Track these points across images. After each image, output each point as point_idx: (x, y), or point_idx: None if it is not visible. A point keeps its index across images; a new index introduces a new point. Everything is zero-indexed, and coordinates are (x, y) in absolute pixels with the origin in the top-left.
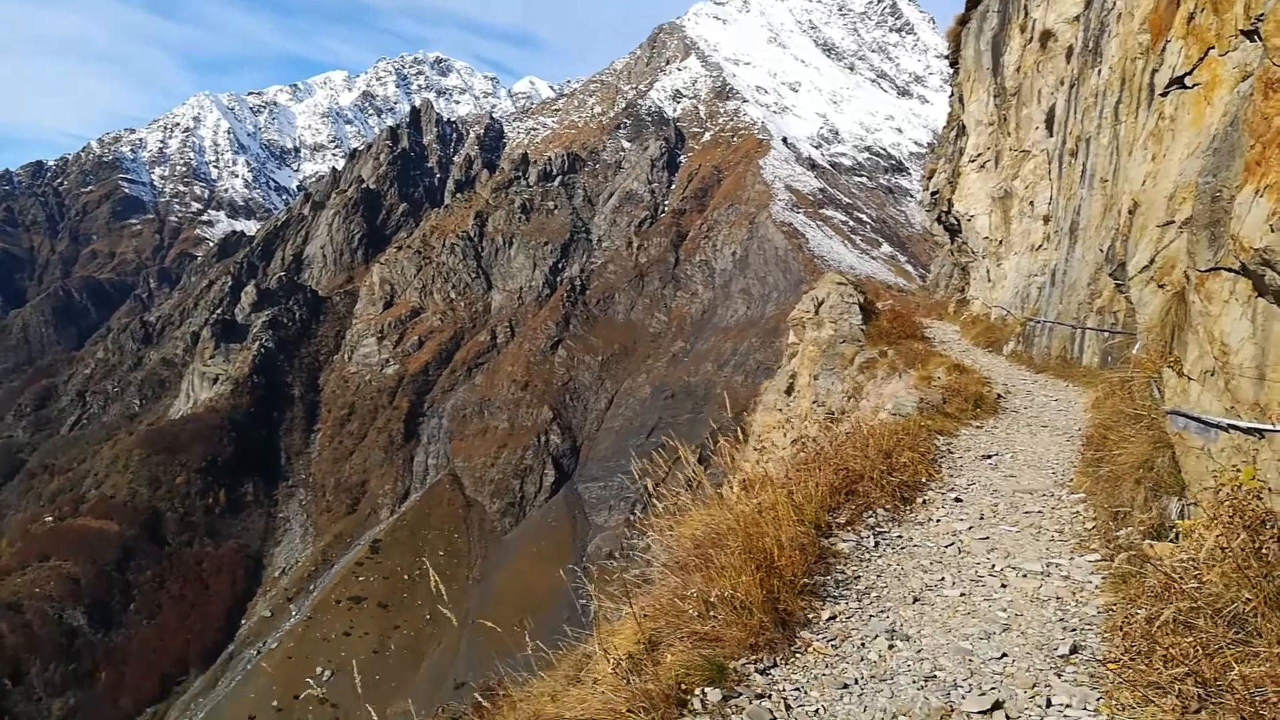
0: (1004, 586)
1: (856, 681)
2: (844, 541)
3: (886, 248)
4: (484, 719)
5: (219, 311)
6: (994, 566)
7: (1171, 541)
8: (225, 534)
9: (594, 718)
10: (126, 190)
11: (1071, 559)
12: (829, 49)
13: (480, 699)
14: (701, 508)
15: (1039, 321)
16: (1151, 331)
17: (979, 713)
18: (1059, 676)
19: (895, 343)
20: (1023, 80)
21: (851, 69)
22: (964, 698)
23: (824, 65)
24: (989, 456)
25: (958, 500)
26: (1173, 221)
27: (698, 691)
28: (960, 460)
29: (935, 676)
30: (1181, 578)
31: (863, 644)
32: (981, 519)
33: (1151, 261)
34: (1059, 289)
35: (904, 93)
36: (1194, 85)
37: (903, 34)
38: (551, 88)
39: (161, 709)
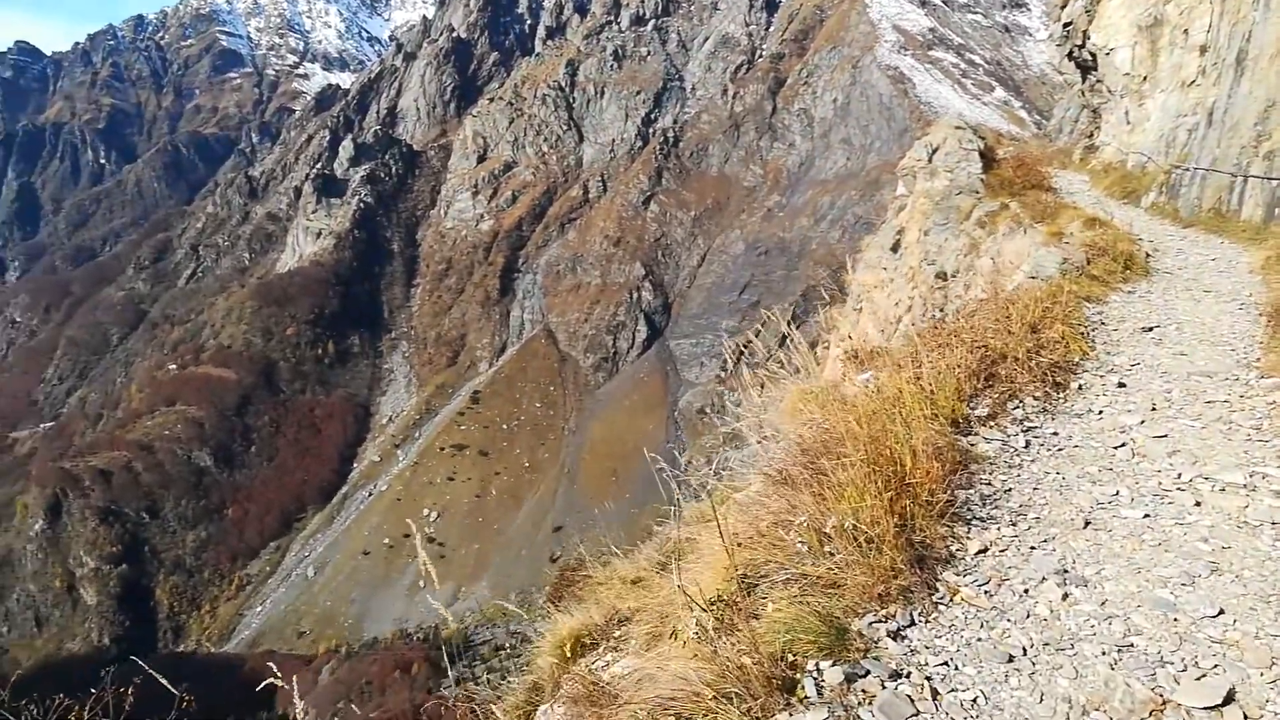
0: (1198, 505)
1: (1025, 651)
2: (987, 441)
3: (1000, 92)
4: (562, 602)
5: (319, 166)
6: (1180, 476)
7: None
8: (335, 383)
9: (668, 703)
10: (224, 43)
11: None
12: None
13: (560, 578)
14: (805, 393)
15: (1188, 168)
16: None
17: (1204, 708)
18: None
19: (1019, 194)
20: None
21: None
22: (1177, 681)
23: None
24: (1150, 329)
25: (1121, 386)
26: None
27: (810, 668)
28: (1116, 333)
29: (1131, 645)
30: None
31: (1026, 591)
32: (1154, 410)
33: None
34: (1216, 130)
35: None
36: None
37: None
38: None
39: (284, 542)
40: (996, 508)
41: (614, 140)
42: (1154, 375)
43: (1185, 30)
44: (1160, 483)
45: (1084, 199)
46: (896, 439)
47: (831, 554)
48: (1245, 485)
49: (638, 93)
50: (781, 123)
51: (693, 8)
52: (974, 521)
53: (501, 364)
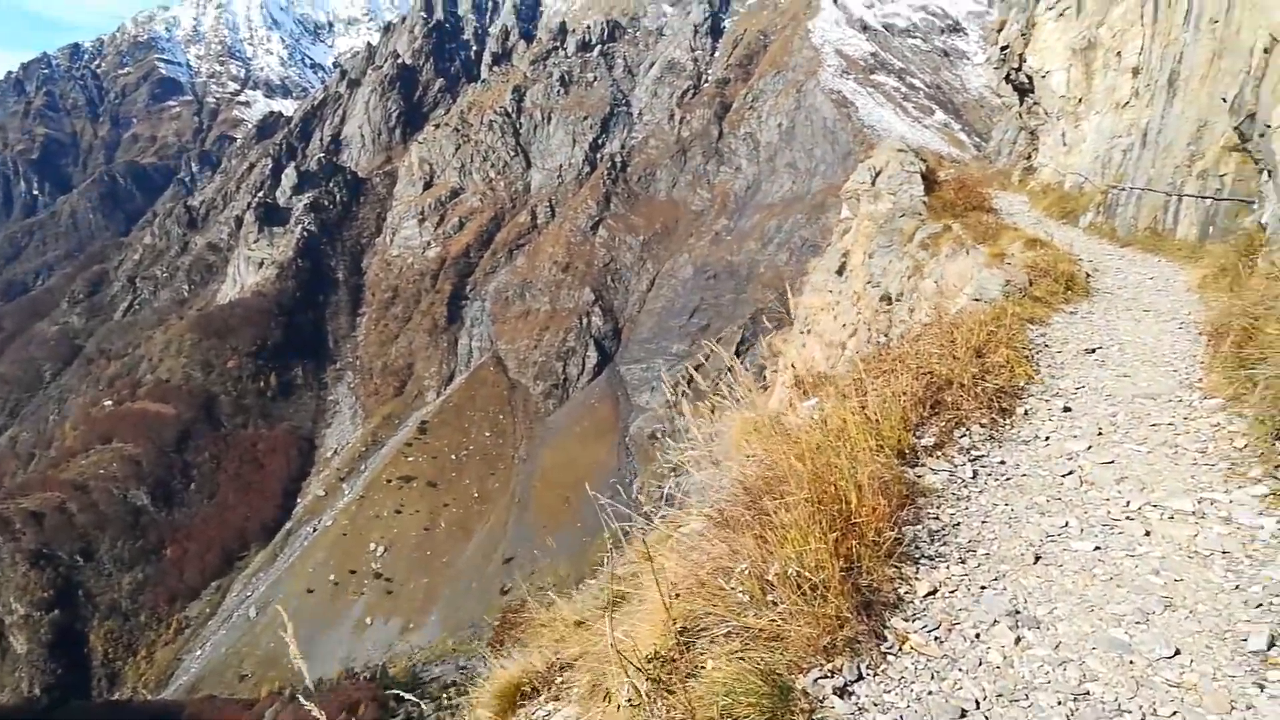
0: (1148, 535)
1: (978, 705)
2: (934, 473)
3: (940, 115)
4: (504, 646)
5: (260, 195)
6: (1129, 504)
7: None
8: (278, 416)
9: None
10: (164, 71)
11: (1228, 492)
12: None
13: (503, 620)
14: (750, 426)
15: (1124, 188)
16: None
17: None
18: (1262, 690)
19: (961, 215)
20: None
21: None
22: None
23: None
24: (1093, 350)
25: (1067, 410)
26: None
27: None
28: (1060, 355)
29: (1087, 692)
30: None
31: (978, 635)
32: (1100, 435)
33: None
34: (1150, 151)
35: None
36: None
37: None
38: None
39: (225, 582)
40: (945, 544)
41: (562, 166)
42: (1099, 398)
43: (1118, 53)
44: (1109, 512)
45: (1024, 219)
46: (841, 475)
47: (774, 604)
48: (1194, 512)
49: (585, 118)
50: (728, 147)
51: (638, 34)
52: (922, 560)
53: (450, 393)
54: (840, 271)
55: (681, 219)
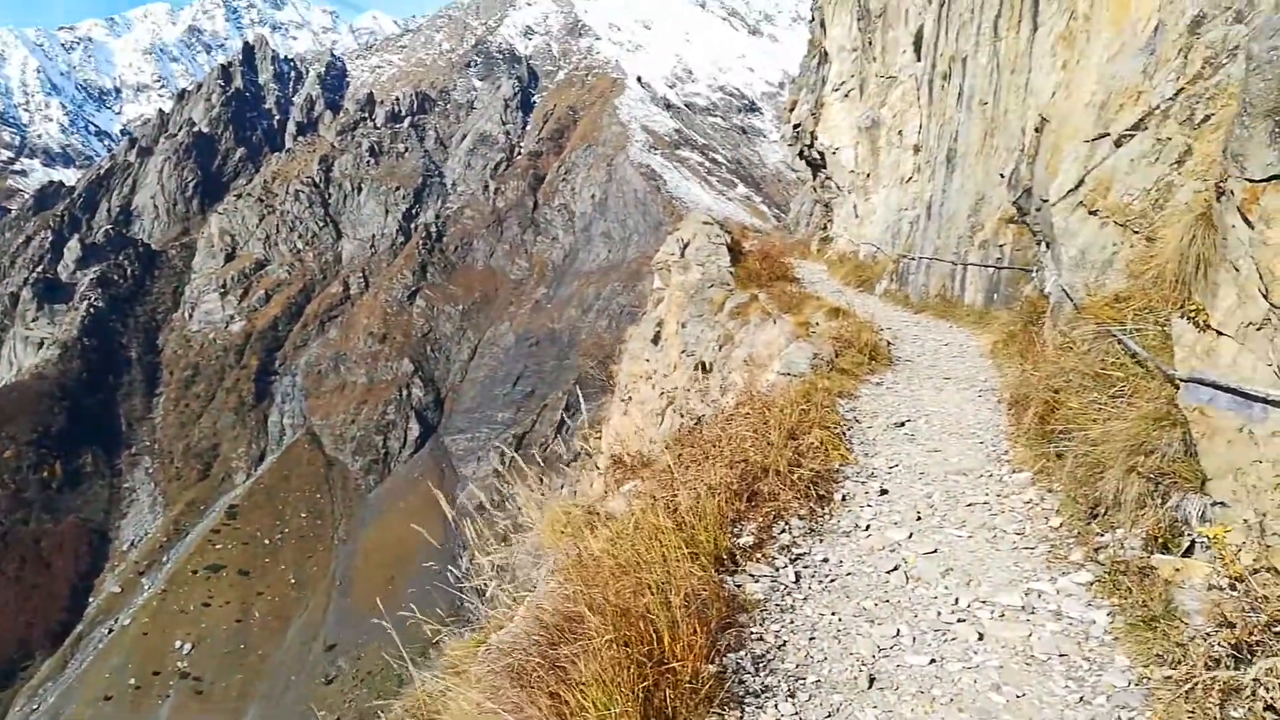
0: (981, 639)
1: None
2: (756, 580)
3: (742, 189)
4: None
5: (39, 270)
6: (958, 602)
7: (1185, 555)
8: (64, 509)
9: None
10: None
11: (1054, 580)
12: None
13: None
14: (561, 520)
15: (914, 258)
16: (1093, 269)
17: None
18: None
19: (766, 285)
20: (888, 1)
21: (703, 6)
22: None
23: (675, 2)
24: (902, 424)
25: (884, 493)
26: (1107, 134)
27: None
28: (871, 431)
29: None
30: (1233, 617)
31: None
32: (919, 519)
33: (1080, 183)
34: (935, 222)
35: (755, 31)
36: None
37: None
38: (396, 23)
39: (6, 696)
40: (772, 673)
41: (374, 236)
42: (913, 477)
43: (900, 131)
44: (939, 613)
45: (825, 288)
46: (653, 603)
47: None
48: (1023, 607)
49: (397, 188)
50: (544, 217)
51: (449, 106)
52: (748, 699)
53: (261, 473)
54: (656, 340)
55: (501, 287)
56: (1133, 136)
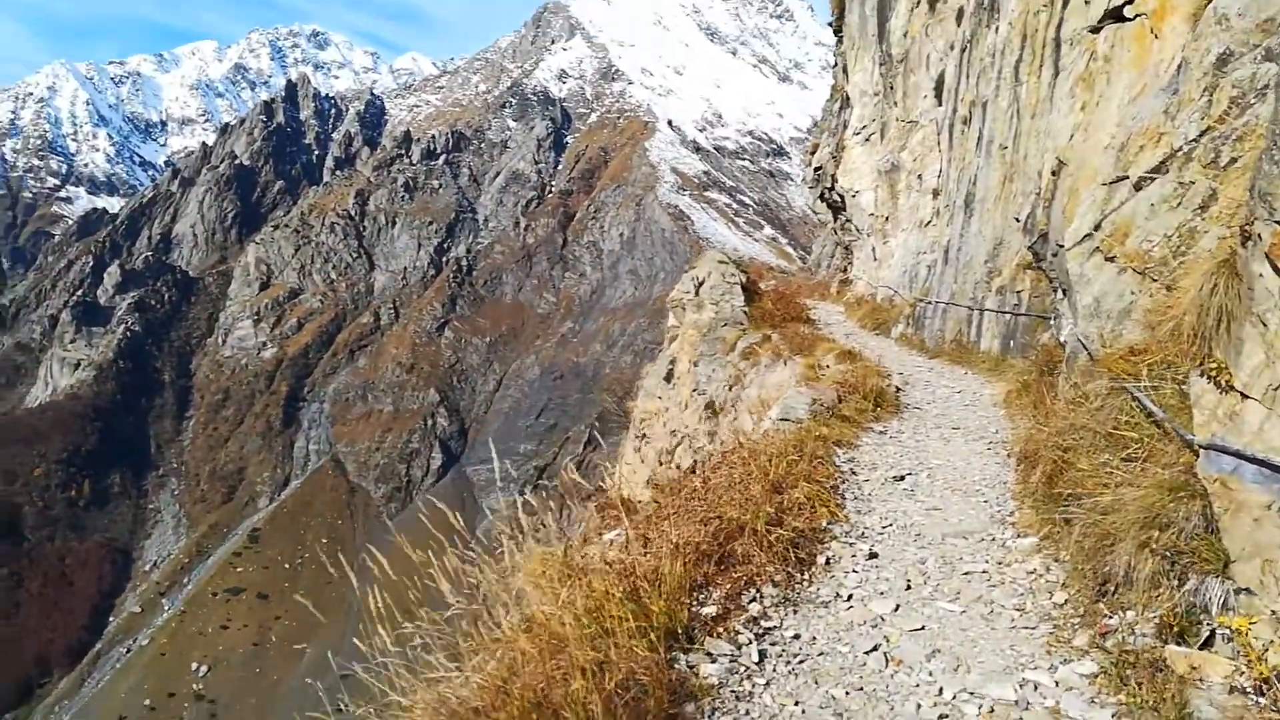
0: None
1: None
2: (713, 659)
3: (769, 230)
4: None
5: (79, 293)
6: (942, 693)
7: (1203, 647)
8: (90, 527)
9: None
10: None
11: (1053, 670)
12: (712, 33)
13: None
14: (543, 564)
15: (931, 302)
16: (1109, 318)
17: None
18: None
19: (779, 326)
20: (910, 46)
21: (734, 54)
22: None
23: (707, 49)
24: (901, 478)
25: (873, 556)
26: (1125, 178)
27: None
28: (867, 485)
29: None
30: None
31: None
32: (908, 589)
33: (1097, 228)
34: (953, 267)
35: (784, 78)
36: (1135, 16)
37: (783, 20)
38: (434, 64)
39: (22, 713)
40: None
41: (406, 268)
42: (908, 539)
43: (919, 175)
44: (919, 705)
45: (840, 330)
46: (577, 696)
47: None
48: (1016, 702)
49: (430, 223)
50: (572, 254)
51: (483, 145)
52: None
53: (284, 498)
54: (669, 378)
55: (528, 322)
56: (1153, 180)
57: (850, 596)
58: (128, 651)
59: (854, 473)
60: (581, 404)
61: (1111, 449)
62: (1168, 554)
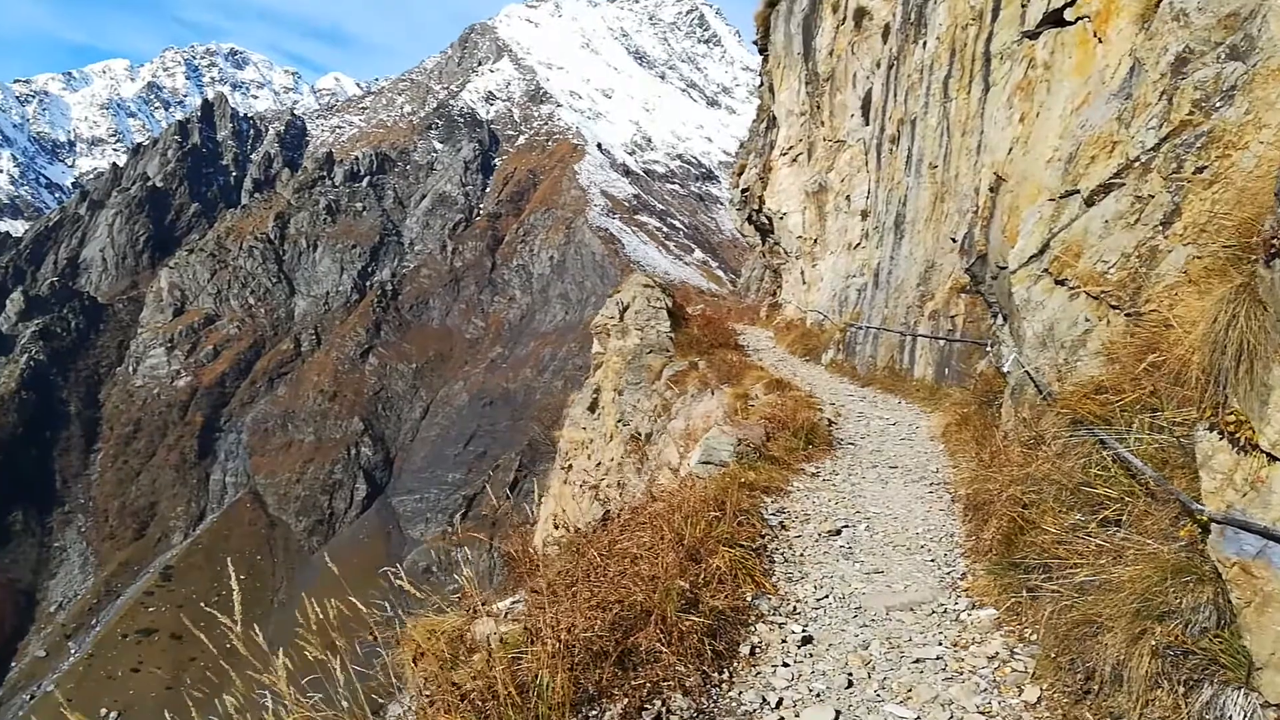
0: None
1: None
2: None
3: (699, 254)
4: None
5: None
6: None
7: None
8: None
9: None
10: None
11: None
12: (640, 57)
13: None
14: (426, 637)
15: (861, 327)
16: (1062, 348)
17: None
18: None
19: (707, 352)
20: (836, 64)
21: (662, 77)
22: None
23: (635, 73)
24: (837, 531)
25: (806, 641)
26: (1076, 192)
27: None
28: (799, 542)
29: None
30: None
31: None
32: (850, 686)
33: (1044, 248)
34: (883, 291)
35: (713, 103)
36: (1077, 20)
37: (710, 45)
38: (358, 85)
39: None
40: None
41: (329, 293)
42: (847, 615)
43: (848, 196)
44: None
45: (770, 357)
46: None
47: None
48: None
49: (353, 246)
50: (501, 278)
51: (408, 167)
52: None
53: (199, 534)
54: (593, 408)
55: (456, 347)
56: (1107, 193)
57: (780, 703)
58: (31, 699)
59: (784, 527)
60: (512, 431)
61: (1082, 507)
62: (1170, 652)
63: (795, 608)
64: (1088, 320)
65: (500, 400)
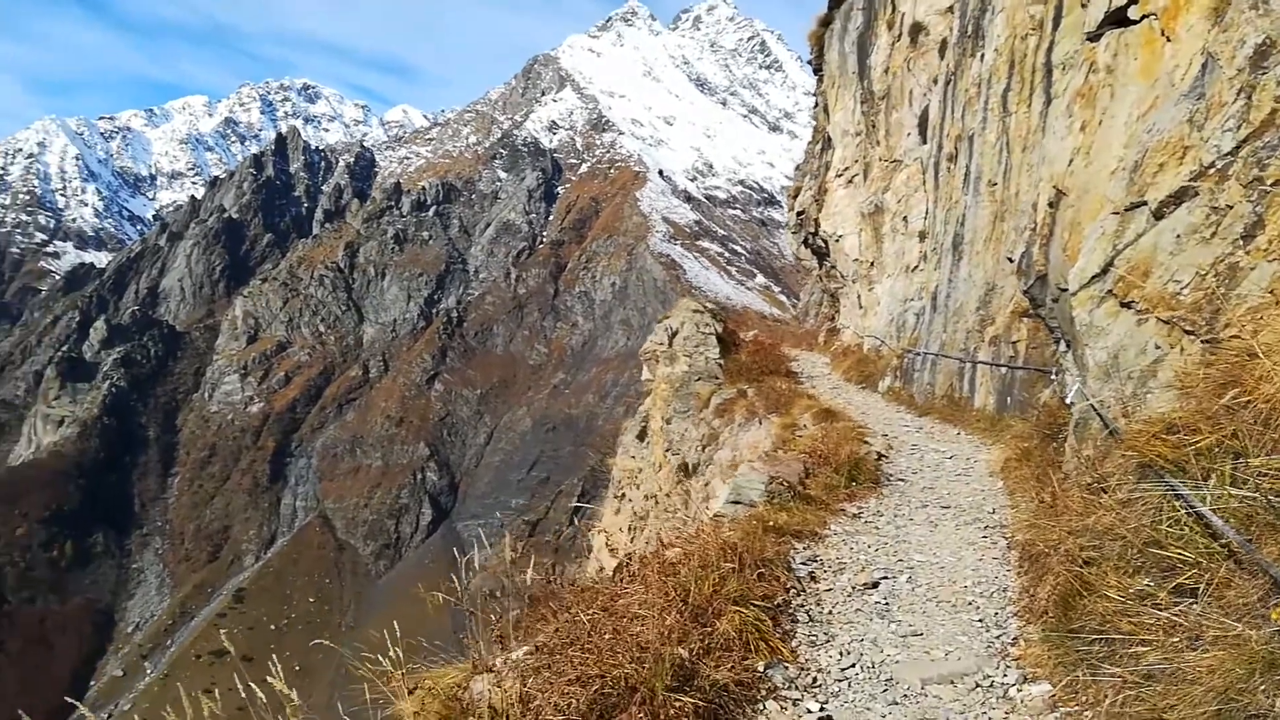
0: None
1: None
2: None
3: (761, 279)
4: None
5: (65, 349)
6: None
7: None
8: (72, 589)
9: None
10: None
11: None
12: (701, 84)
13: None
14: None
15: (919, 353)
16: (1129, 379)
17: None
18: None
19: (756, 380)
20: (892, 82)
21: (724, 104)
22: None
23: (697, 100)
24: (875, 584)
25: None
26: (1143, 204)
27: None
28: (829, 596)
29: None
30: None
31: None
32: None
33: (1108, 267)
34: (942, 315)
35: (774, 128)
36: (1142, 18)
37: (772, 71)
38: (425, 117)
39: None
40: None
41: (396, 320)
42: (874, 690)
43: (905, 217)
44: None
45: (824, 384)
46: None
47: None
48: None
49: (420, 274)
50: (564, 304)
51: (473, 196)
52: None
53: (270, 557)
54: (642, 436)
55: (519, 373)
56: (1178, 204)
57: None
58: (109, 717)
59: (813, 578)
60: (574, 456)
61: (1150, 569)
62: None
63: (815, 679)
64: (1158, 348)
65: (563, 426)
